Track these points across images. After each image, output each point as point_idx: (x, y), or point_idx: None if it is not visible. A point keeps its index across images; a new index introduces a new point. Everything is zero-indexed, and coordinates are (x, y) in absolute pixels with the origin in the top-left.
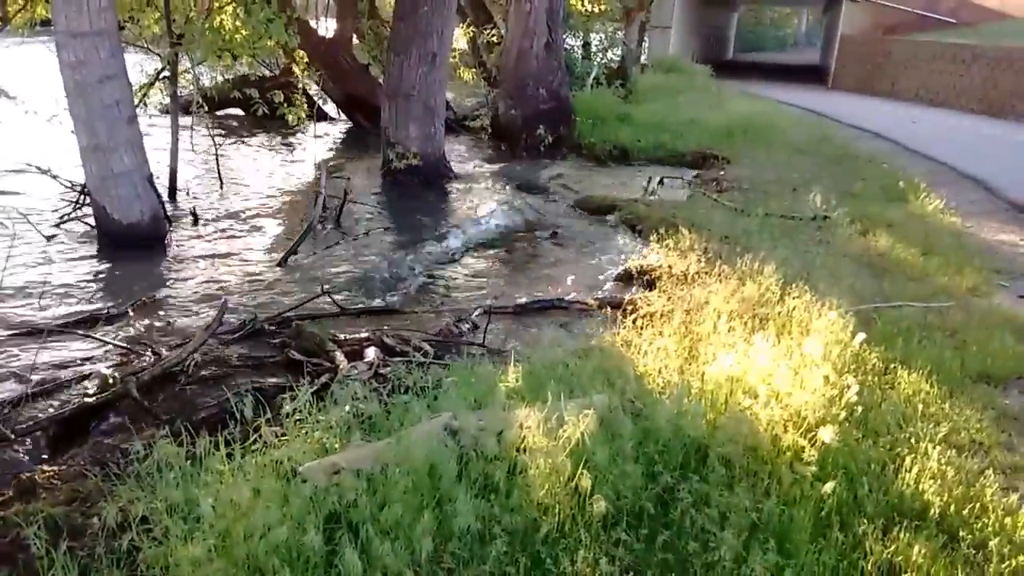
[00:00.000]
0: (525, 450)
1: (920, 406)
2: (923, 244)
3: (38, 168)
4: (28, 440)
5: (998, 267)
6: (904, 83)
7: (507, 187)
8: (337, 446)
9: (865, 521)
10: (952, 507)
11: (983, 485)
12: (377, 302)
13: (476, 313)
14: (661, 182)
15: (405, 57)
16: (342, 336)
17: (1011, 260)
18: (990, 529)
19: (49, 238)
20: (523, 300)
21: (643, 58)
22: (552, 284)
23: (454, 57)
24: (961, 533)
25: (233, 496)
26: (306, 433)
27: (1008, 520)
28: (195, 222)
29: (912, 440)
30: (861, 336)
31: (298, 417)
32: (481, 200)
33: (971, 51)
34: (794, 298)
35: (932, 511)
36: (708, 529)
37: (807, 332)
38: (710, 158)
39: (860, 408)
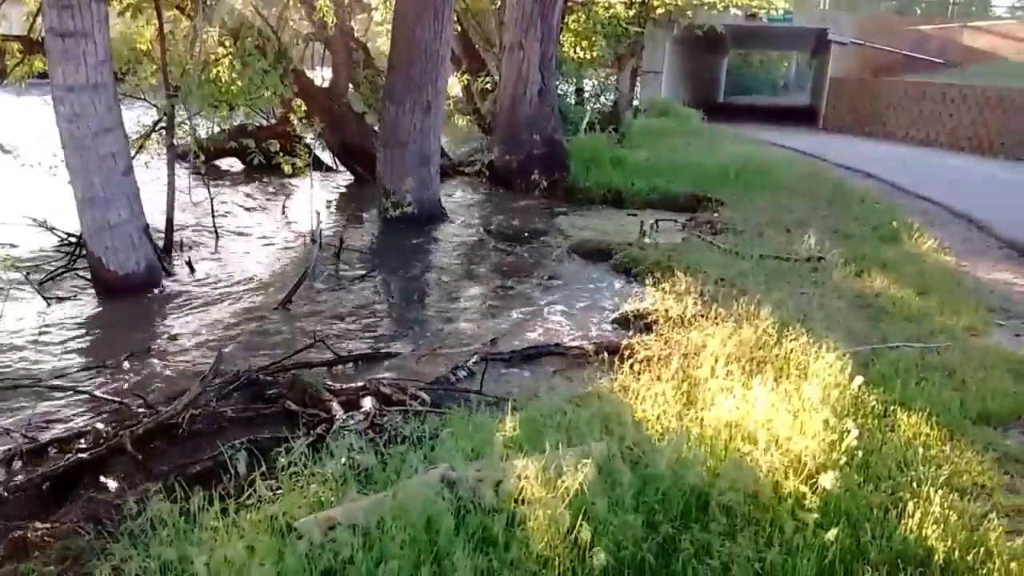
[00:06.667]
0: (524, 501)
1: (921, 449)
2: (918, 284)
3: (34, 220)
4: (21, 497)
5: (994, 306)
6: (894, 123)
7: (503, 232)
8: (333, 499)
9: (869, 568)
10: (956, 552)
11: (987, 529)
12: (373, 348)
13: (473, 360)
14: (656, 225)
15: (400, 106)
16: (338, 386)
17: (1007, 299)
18: (996, 575)
19: (44, 291)
20: (520, 346)
21: (635, 102)
22: (549, 329)
23: (449, 104)
24: None
25: (227, 553)
26: (301, 487)
27: (1014, 565)
28: (191, 271)
29: (914, 484)
30: (860, 379)
31: (293, 470)
32: (476, 245)
33: (960, 91)
34: (791, 340)
35: (936, 557)
36: None
37: (805, 375)
38: (704, 200)
39: (861, 452)
